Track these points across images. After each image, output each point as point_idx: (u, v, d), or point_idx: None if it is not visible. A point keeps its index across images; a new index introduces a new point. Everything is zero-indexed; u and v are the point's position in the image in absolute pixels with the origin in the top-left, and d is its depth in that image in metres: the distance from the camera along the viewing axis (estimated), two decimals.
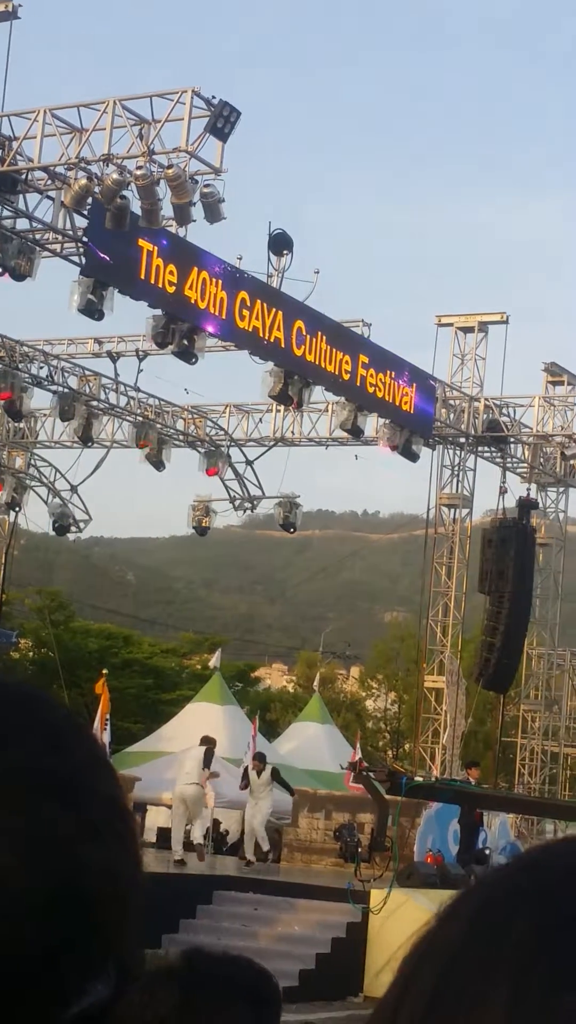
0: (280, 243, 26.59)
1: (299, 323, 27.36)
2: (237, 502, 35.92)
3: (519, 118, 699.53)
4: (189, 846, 25.10)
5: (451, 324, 34.81)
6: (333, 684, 76.51)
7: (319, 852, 27.16)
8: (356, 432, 30.43)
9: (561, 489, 36.60)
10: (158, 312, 25.02)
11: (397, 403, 30.38)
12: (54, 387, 32.24)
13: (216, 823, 30.23)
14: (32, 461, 36.91)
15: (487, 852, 26.02)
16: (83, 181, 21.93)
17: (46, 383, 32.20)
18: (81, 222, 23.34)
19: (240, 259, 26.49)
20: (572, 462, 35.08)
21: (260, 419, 34.49)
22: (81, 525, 37.36)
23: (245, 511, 36.88)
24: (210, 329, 25.71)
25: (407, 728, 60.57)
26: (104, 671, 32.06)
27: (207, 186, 21.75)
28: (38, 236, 24.00)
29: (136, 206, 21.78)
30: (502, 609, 32.47)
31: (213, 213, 21.97)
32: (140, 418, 33.54)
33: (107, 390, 32.98)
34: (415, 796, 21.96)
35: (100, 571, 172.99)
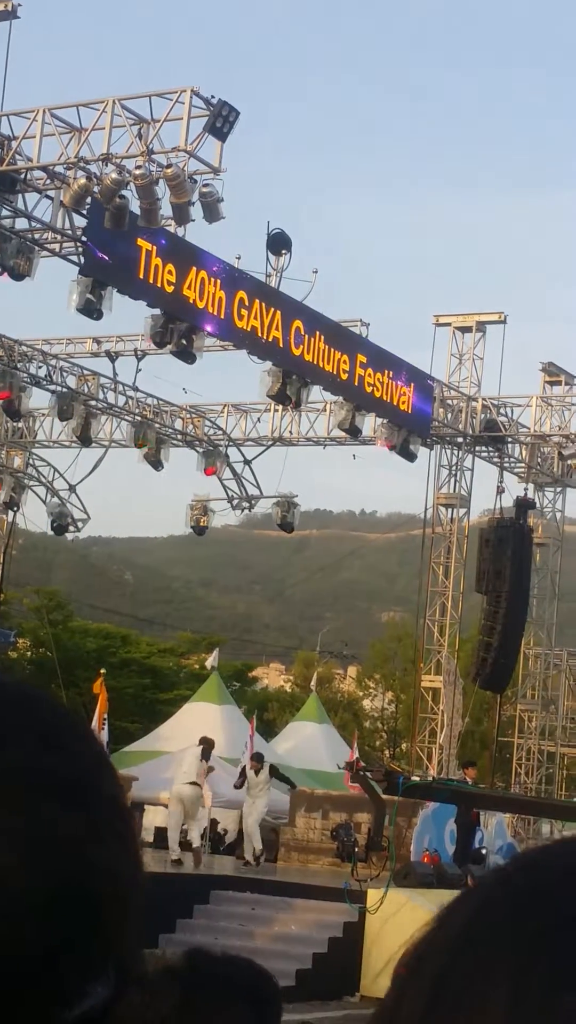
0: (278, 243, 26.58)
1: (297, 323, 27.35)
2: (235, 502, 35.91)
3: (518, 118, 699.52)
4: (187, 846, 25.10)
5: (449, 324, 34.79)
6: (330, 684, 76.49)
7: (316, 852, 27.16)
8: (354, 432, 30.43)
9: (558, 489, 36.59)
10: (157, 312, 25.01)
11: (395, 403, 30.37)
12: (53, 387, 32.22)
13: (214, 822, 30.21)
14: (30, 461, 36.89)
15: (484, 852, 26.02)
16: (82, 180, 21.92)
17: (45, 382, 32.18)
18: (80, 221, 23.32)
19: (239, 259, 26.50)
20: (569, 462, 35.07)
21: (258, 419, 34.49)
22: (79, 525, 37.34)
23: (243, 511, 36.87)
24: (208, 329, 25.70)
25: (404, 728, 60.56)
26: (102, 671, 32.06)
27: (206, 186, 21.74)
28: (37, 235, 23.98)
29: (135, 206, 21.77)
30: (499, 609, 32.46)
31: (212, 213, 21.96)
32: (138, 418, 33.51)
33: (105, 390, 32.96)
34: (412, 796, 21.94)
35: (98, 571, 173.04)
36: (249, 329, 26.26)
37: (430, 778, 26.90)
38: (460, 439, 34.09)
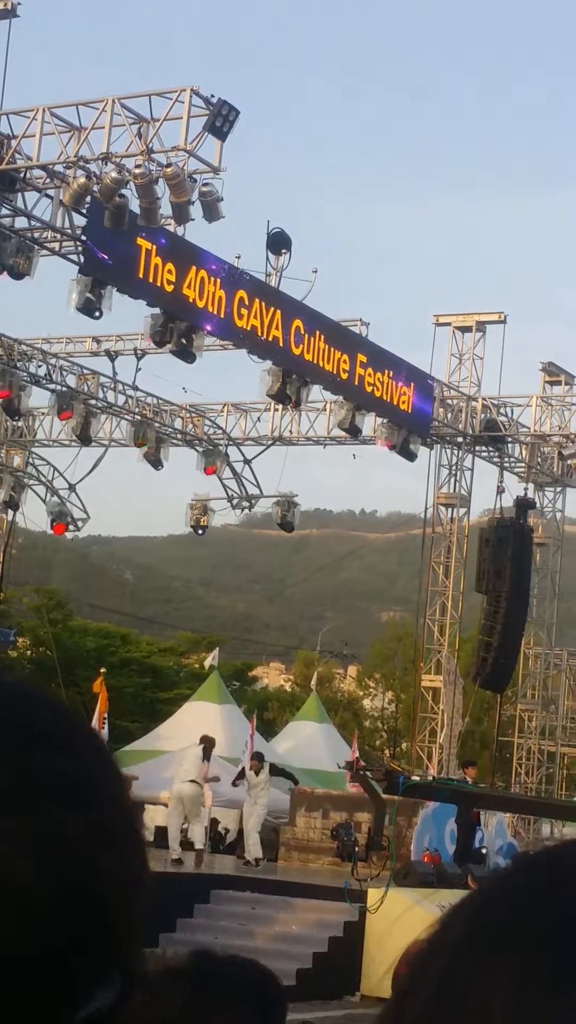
0: (278, 242, 26.58)
1: (297, 322, 27.35)
2: (235, 501, 35.91)
3: (518, 117, 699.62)
4: (187, 845, 25.10)
5: (449, 324, 34.80)
6: (330, 683, 76.52)
7: (316, 851, 27.16)
8: (354, 431, 30.43)
9: (558, 489, 36.59)
10: (156, 311, 25.01)
11: (395, 402, 30.38)
12: (52, 386, 32.22)
13: (214, 822, 30.23)
14: (30, 460, 36.90)
15: (484, 851, 26.04)
16: (82, 180, 21.91)
17: (44, 382, 32.17)
18: (80, 221, 23.32)
19: (238, 258, 26.49)
20: (569, 462, 35.08)
21: (258, 418, 34.49)
22: (79, 524, 37.35)
23: (243, 510, 36.87)
24: (208, 328, 25.70)
25: (404, 727, 60.59)
26: (102, 670, 32.10)
27: (206, 185, 21.74)
28: (36, 235, 23.98)
29: (135, 205, 21.77)
30: (499, 609, 32.46)
31: (212, 212, 21.96)
32: (138, 417, 33.52)
33: (105, 389, 32.95)
34: (412, 795, 21.94)
35: (98, 570, 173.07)
36: (249, 328, 26.27)
37: (430, 778, 26.92)
38: (460, 439, 34.10)
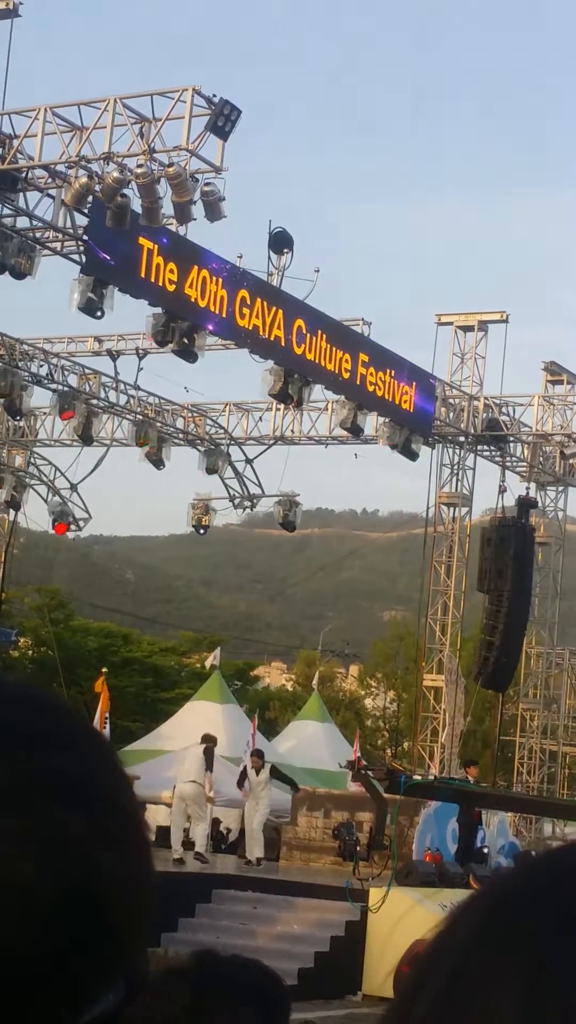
0: (280, 241, 26.58)
1: (299, 322, 27.36)
2: (237, 501, 35.93)
3: (520, 117, 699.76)
4: (189, 845, 25.10)
5: (451, 323, 34.81)
6: (332, 683, 76.54)
7: (318, 851, 27.16)
8: (356, 431, 30.44)
9: (560, 488, 36.61)
10: (158, 310, 25.01)
11: (397, 402, 30.38)
12: (54, 385, 32.23)
13: (216, 821, 30.23)
14: (32, 459, 36.92)
15: (485, 851, 26.04)
16: (83, 179, 21.92)
17: (46, 381, 32.18)
18: (81, 220, 23.33)
19: (240, 257, 26.49)
20: (571, 461, 35.09)
21: (260, 417, 34.49)
22: (81, 523, 37.37)
23: (245, 510, 36.89)
24: (210, 327, 25.71)
25: (406, 727, 60.60)
26: (103, 669, 32.11)
27: (207, 184, 21.75)
28: (38, 234, 23.99)
29: (136, 204, 21.77)
30: (501, 608, 32.47)
31: (213, 211, 21.96)
32: (140, 416, 33.53)
33: (107, 388, 32.97)
34: (414, 795, 21.97)
35: (100, 569, 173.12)
36: (251, 328, 26.27)
37: (432, 777, 26.95)
38: (462, 438, 34.11)
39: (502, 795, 29.03)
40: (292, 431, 33.93)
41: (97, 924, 1.03)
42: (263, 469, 35.12)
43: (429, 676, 34.46)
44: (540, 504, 35.59)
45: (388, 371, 30.09)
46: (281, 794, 28.36)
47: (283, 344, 27.01)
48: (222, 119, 21.15)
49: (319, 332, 27.97)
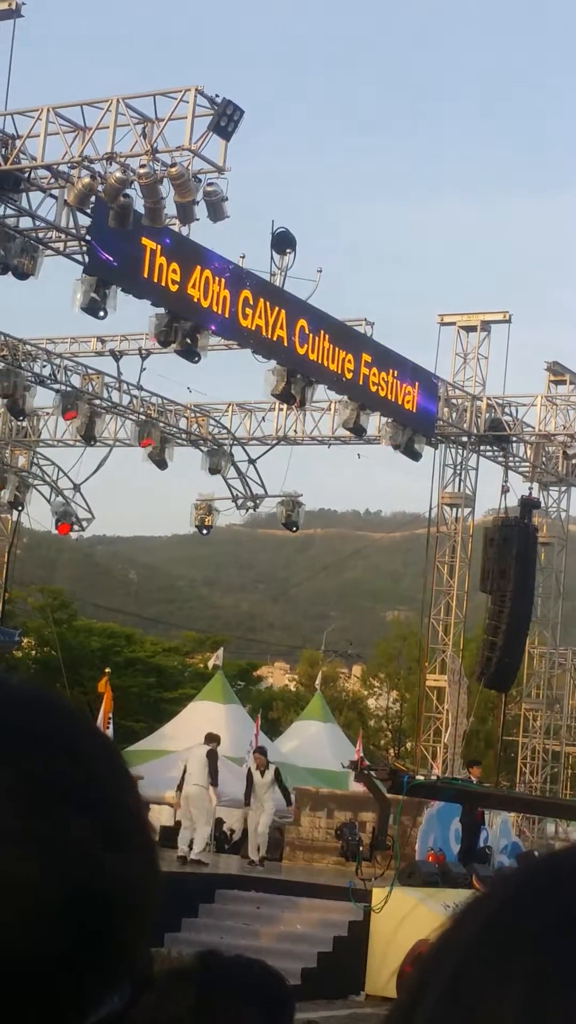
0: (283, 241, 26.58)
1: (302, 322, 27.36)
2: (240, 501, 35.93)
3: (522, 117, 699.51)
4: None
5: (454, 323, 34.80)
6: (335, 683, 76.57)
7: (321, 851, 27.16)
8: (358, 431, 30.43)
9: (563, 488, 36.60)
10: (161, 311, 25.02)
11: (399, 402, 30.37)
12: (57, 386, 32.24)
13: (219, 822, 30.22)
14: (35, 460, 36.93)
15: (488, 851, 26.04)
16: (86, 180, 21.92)
17: (49, 382, 32.20)
18: (84, 220, 23.33)
19: (243, 258, 26.48)
20: (574, 461, 35.07)
21: (263, 418, 34.50)
22: (84, 524, 37.38)
23: (248, 510, 36.90)
24: (213, 328, 25.71)
25: (409, 727, 60.58)
26: (107, 670, 32.14)
27: (210, 184, 21.74)
28: (41, 235, 24.00)
29: (139, 204, 21.77)
30: (504, 608, 32.46)
31: (216, 212, 21.96)
32: (143, 417, 33.54)
33: (110, 389, 32.98)
34: (416, 795, 21.97)
35: (103, 570, 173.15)
36: (253, 328, 26.27)
37: (435, 777, 26.94)
38: (465, 438, 34.10)
39: (505, 795, 29.03)
40: (295, 431, 33.93)
41: (101, 926, 1.04)
42: (266, 469, 35.16)
43: (432, 676, 34.46)
44: (543, 504, 35.58)
45: (391, 371, 30.08)
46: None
47: (286, 344, 27.01)
48: (225, 119, 21.16)
49: (322, 332, 27.96)
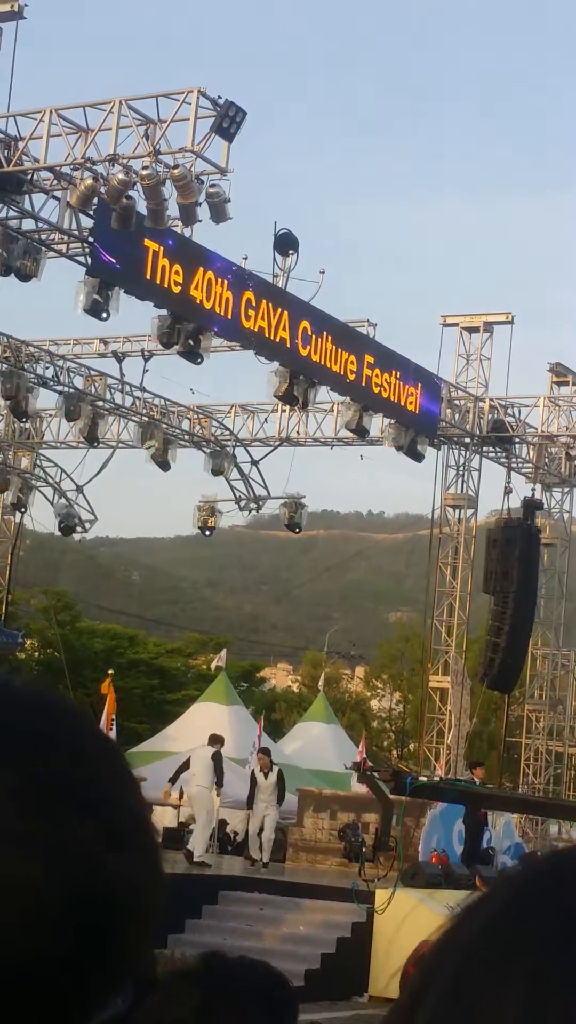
0: (285, 243, 26.58)
1: (304, 323, 27.35)
2: (243, 502, 35.93)
3: (522, 117, 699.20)
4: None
5: (456, 324, 34.79)
6: (338, 684, 76.56)
7: (324, 852, 27.15)
8: (361, 432, 30.42)
9: (566, 489, 36.58)
10: (164, 312, 25.03)
11: (402, 403, 30.37)
12: (60, 387, 32.26)
13: (223, 823, 30.22)
14: (38, 461, 36.94)
15: (491, 852, 26.04)
16: (89, 181, 21.93)
17: (52, 383, 32.21)
18: (87, 222, 23.34)
19: (246, 259, 26.49)
20: None
21: (265, 419, 34.50)
22: (87, 525, 37.38)
23: (250, 511, 36.90)
24: (215, 329, 25.71)
25: (412, 728, 60.57)
26: (110, 671, 32.10)
27: (213, 186, 21.75)
28: (44, 236, 24.01)
29: (142, 206, 21.78)
30: (507, 609, 32.44)
31: (219, 213, 21.97)
32: (145, 418, 33.55)
33: (113, 390, 32.99)
34: (419, 796, 21.96)
35: (105, 571, 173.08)
36: (256, 329, 26.27)
37: (438, 778, 26.92)
38: (467, 439, 34.09)
39: (508, 796, 29.02)
40: (298, 433, 33.92)
41: (104, 927, 1.04)
42: (269, 471, 35.17)
43: (435, 677, 34.45)
44: (546, 505, 35.57)
45: (393, 372, 30.07)
46: (288, 795, 28.32)
47: (288, 346, 27.01)
48: (227, 121, 21.17)
49: (324, 333, 27.96)
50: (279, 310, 26.66)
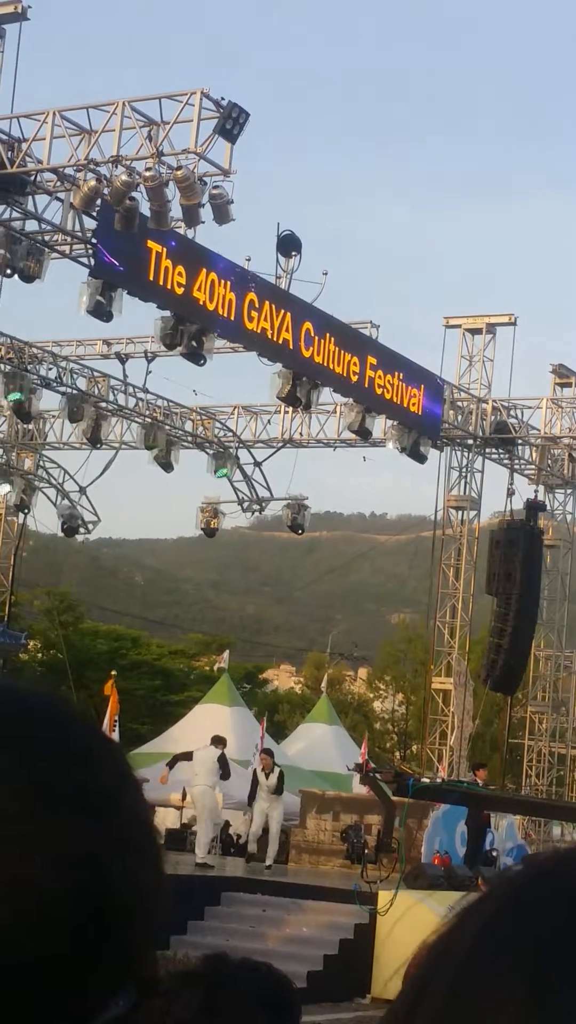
0: (288, 244, 26.56)
1: (307, 324, 27.34)
2: (245, 504, 35.92)
3: (523, 117, 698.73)
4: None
5: (459, 326, 34.77)
6: (341, 685, 76.55)
7: (327, 853, 27.14)
8: (364, 433, 30.41)
9: (569, 491, 36.56)
10: (167, 313, 25.02)
11: (405, 405, 30.35)
12: (63, 388, 32.25)
13: (226, 825, 30.21)
14: (41, 463, 36.94)
15: (494, 854, 26.01)
16: (92, 183, 21.93)
17: (55, 384, 32.21)
18: (90, 224, 23.33)
19: (248, 260, 26.47)
20: None
21: (268, 420, 34.48)
22: (90, 526, 37.38)
23: (253, 513, 36.88)
24: (218, 331, 25.70)
25: (414, 729, 60.57)
26: (113, 672, 32.11)
27: (216, 187, 21.74)
28: (47, 238, 23.99)
29: (145, 208, 21.78)
30: (509, 611, 32.42)
31: (222, 214, 21.95)
32: (148, 419, 33.54)
33: (116, 391, 32.98)
34: (422, 797, 21.93)
35: (108, 572, 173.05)
36: (259, 331, 26.25)
37: (440, 780, 26.89)
38: (470, 441, 34.07)
39: (511, 798, 28.97)
40: (300, 434, 33.91)
41: (106, 928, 1.04)
42: (271, 472, 35.15)
43: (438, 679, 34.43)
44: (548, 507, 35.57)
45: (396, 374, 30.06)
46: (290, 796, 28.32)
47: (291, 347, 27.00)
48: (230, 122, 21.15)
49: (327, 335, 27.94)
50: (282, 311, 26.64)
